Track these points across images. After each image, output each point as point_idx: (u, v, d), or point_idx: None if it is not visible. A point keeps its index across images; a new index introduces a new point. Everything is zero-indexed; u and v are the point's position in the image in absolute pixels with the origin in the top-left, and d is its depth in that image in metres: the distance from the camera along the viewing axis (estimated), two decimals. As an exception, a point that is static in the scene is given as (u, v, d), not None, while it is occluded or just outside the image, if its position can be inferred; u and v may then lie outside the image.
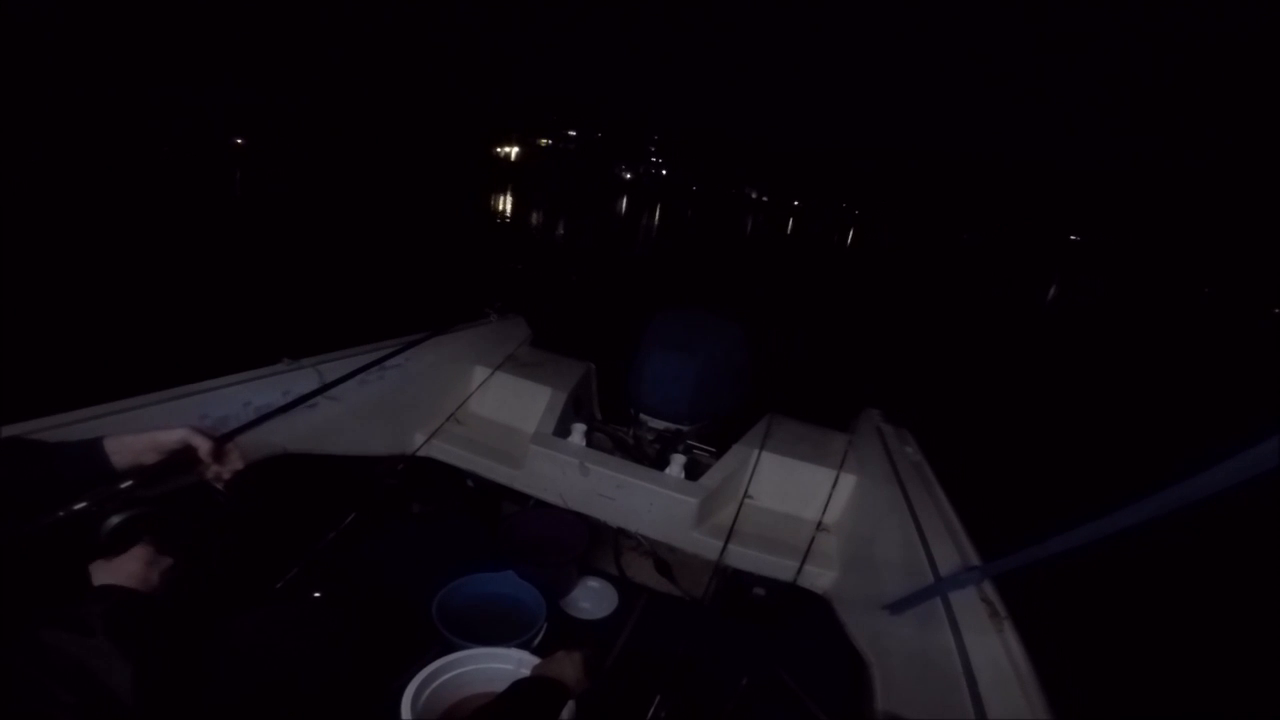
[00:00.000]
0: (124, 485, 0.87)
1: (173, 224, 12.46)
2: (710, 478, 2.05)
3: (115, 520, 0.85)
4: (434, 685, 1.21)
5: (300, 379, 1.80)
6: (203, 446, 0.95)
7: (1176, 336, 20.30)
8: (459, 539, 2.03)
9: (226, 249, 10.24)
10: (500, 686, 1.01)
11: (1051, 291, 31.41)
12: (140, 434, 0.92)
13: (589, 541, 1.95)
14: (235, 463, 0.99)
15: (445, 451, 2.20)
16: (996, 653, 1.11)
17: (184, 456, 0.94)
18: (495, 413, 2.41)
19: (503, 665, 1.27)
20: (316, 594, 1.43)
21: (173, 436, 0.93)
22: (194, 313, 6.33)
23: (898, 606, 1.36)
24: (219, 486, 0.99)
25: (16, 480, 0.84)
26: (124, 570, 0.83)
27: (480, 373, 2.42)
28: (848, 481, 2.05)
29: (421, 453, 2.18)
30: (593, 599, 1.86)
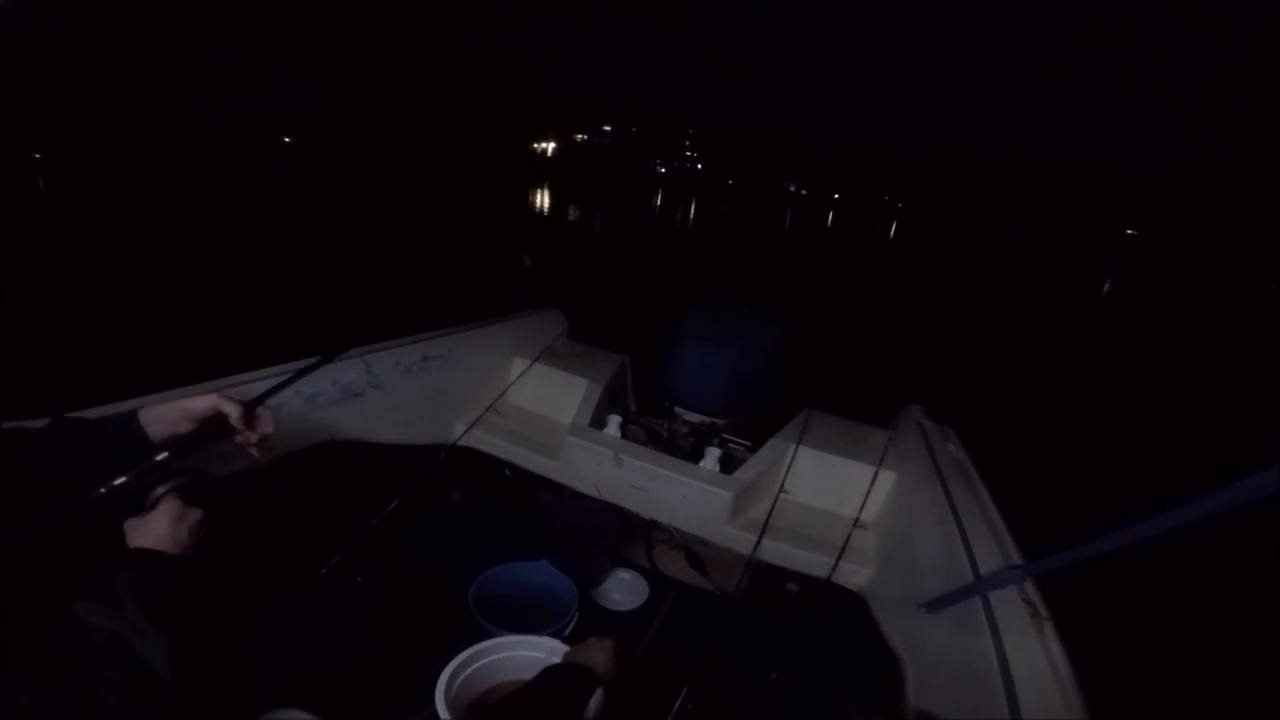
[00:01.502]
0: (161, 456, 0.88)
1: (223, 221, 12.97)
2: (745, 471, 2.04)
3: (160, 491, 0.87)
4: (468, 671, 1.24)
5: (347, 369, 1.85)
6: (233, 412, 0.97)
7: (1239, 334, 19.24)
8: (496, 528, 2.06)
9: (275, 245, 10.61)
10: (532, 674, 1.03)
11: (1106, 286, 30.09)
12: (172, 403, 0.95)
13: (622, 533, 1.97)
14: (266, 425, 1.01)
15: (484, 441, 2.25)
16: (1036, 654, 1.08)
17: (216, 423, 0.97)
18: (533, 404, 2.44)
19: (535, 653, 1.29)
20: (359, 579, 1.48)
21: (203, 404, 0.96)
22: (245, 306, 6.59)
23: (935, 605, 1.34)
24: (252, 451, 1.01)
25: (62, 460, 0.85)
26: (153, 531, 0.82)
27: (519, 364, 2.46)
28: (887, 478, 2.01)
29: (462, 442, 2.22)
30: (624, 590, 1.87)
